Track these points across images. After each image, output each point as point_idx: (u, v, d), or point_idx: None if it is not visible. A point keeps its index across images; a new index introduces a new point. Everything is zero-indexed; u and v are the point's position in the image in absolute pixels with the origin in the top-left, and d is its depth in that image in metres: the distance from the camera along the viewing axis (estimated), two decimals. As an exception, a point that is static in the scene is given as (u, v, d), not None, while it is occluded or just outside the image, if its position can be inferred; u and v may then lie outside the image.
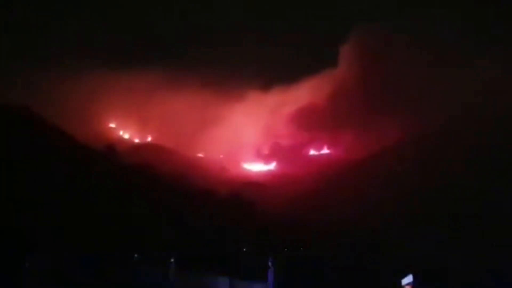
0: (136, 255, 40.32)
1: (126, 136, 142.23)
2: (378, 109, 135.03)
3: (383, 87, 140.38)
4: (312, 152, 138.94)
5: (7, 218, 37.47)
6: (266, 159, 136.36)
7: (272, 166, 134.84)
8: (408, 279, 16.55)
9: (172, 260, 36.95)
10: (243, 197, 77.71)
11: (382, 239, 60.65)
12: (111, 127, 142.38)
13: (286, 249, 60.25)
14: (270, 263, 22.89)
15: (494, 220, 68.32)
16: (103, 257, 36.90)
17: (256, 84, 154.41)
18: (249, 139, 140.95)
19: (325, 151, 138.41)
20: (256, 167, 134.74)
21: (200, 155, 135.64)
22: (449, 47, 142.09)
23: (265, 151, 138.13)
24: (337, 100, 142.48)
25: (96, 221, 45.80)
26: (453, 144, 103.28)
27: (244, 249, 57.41)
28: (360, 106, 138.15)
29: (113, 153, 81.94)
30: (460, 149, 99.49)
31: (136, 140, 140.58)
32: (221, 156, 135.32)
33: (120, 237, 45.34)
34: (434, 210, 78.10)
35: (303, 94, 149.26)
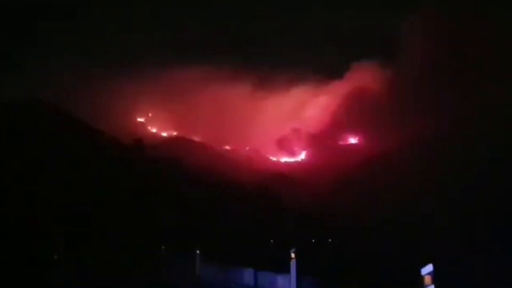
0: (163, 247, 40.73)
1: (154, 130, 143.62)
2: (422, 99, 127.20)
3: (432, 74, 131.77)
4: (341, 142, 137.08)
5: (36, 212, 38.32)
6: (294, 150, 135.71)
7: (299, 158, 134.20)
8: (428, 269, 16.29)
9: (197, 251, 37.26)
10: (270, 189, 77.90)
11: (405, 229, 60.03)
12: (140, 122, 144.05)
13: (312, 240, 60.42)
14: (293, 254, 22.77)
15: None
16: (131, 250, 37.48)
17: (285, 76, 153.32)
18: (277, 131, 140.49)
19: (355, 141, 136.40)
20: (284, 159, 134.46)
21: (227, 147, 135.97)
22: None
23: (293, 142, 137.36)
24: (384, 89, 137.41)
25: (124, 214, 46.56)
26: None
27: (272, 241, 57.61)
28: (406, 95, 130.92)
29: (141, 147, 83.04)
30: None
31: (164, 134, 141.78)
32: (248, 148, 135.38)
33: (147, 229, 46.02)
34: (466, 200, 75.80)
35: (339, 83, 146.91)
